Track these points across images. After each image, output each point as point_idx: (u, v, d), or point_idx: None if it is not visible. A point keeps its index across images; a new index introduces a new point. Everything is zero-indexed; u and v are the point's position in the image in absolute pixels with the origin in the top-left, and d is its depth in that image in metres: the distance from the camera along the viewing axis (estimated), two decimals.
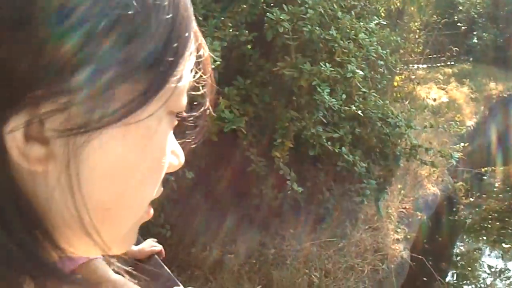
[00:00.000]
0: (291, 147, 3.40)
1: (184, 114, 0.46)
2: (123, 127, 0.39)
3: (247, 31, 3.08)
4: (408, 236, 4.83)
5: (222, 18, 2.93)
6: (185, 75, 0.42)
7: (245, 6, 3.14)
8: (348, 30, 3.31)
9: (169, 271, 1.61)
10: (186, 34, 0.42)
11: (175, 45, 0.40)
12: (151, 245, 1.66)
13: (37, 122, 0.36)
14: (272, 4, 3.14)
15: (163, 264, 1.65)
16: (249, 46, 3.24)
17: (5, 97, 0.35)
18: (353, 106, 3.32)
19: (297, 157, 3.81)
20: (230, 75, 3.20)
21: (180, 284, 1.44)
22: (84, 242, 0.42)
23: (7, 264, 0.37)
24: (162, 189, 0.46)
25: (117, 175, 0.41)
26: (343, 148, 3.43)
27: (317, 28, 3.06)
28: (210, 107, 0.49)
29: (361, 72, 3.15)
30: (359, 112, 3.32)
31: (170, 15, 0.40)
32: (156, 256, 1.69)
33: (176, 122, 0.45)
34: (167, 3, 0.40)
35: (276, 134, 3.33)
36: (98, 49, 0.36)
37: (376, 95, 3.58)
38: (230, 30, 3.01)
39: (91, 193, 0.39)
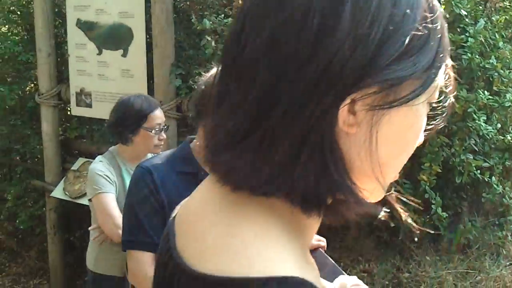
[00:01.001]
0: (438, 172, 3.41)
1: (434, 104, 0.64)
2: (405, 108, 0.57)
3: None
4: None
5: None
6: (441, 76, 0.60)
7: None
8: (508, 60, 3.28)
9: (333, 261, 1.75)
10: (448, 48, 0.60)
11: (441, 55, 0.58)
12: (317, 238, 1.86)
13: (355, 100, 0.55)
14: None
15: (327, 255, 1.80)
16: None
17: (347, 83, 0.54)
18: (508, 135, 3.26)
19: (440, 184, 3.78)
20: None
21: (344, 273, 1.57)
22: (371, 184, 0.60)
23: (327, 188, 0.57)
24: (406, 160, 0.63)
25: (393, 141, 0.59)
26: (492, 177, 3.38)
27: (477, 56, 3.07)
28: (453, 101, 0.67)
29: None
30: None
31: (439, 35, 0.58)
32: (320, 249, 1.87)
33: (428, 110, 0.62)
34: (439, 27, 0.58)
35: (424, 157, 3.36)
36: (401, 56, 0.55)
37: None
38: None
39: (379, 151, 0.57)
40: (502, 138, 3.28)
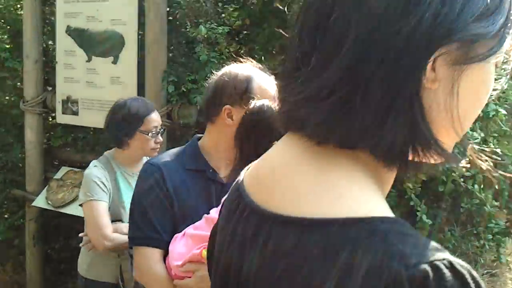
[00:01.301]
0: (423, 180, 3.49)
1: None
2: (480, 65, 0.62)
3: None
4: None
5: None
6: (509, 40, 0.65)
7: None
8: None
9: None
10: None
11: None
12: None
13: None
14: None
15: None
16: None
17: (437, 38, 0.58)
18: (491, 144, 3.38)
19: (423, 193, 3.86)
20: None
21: None
22: (445, 137, 0.64)
23: (413, 141, 0.61)
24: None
25: (469, 96, 0.64)
26: (475, 185, 3.48)
27: None
28: None
29: (504, 111, 3.23)
30: (498, 150, 3.36)
31: None
32: None
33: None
34: None
35: None
36: (481, 15, 0.60)
37: None
38: None
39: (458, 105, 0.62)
40: (486, 146, 3.39)
